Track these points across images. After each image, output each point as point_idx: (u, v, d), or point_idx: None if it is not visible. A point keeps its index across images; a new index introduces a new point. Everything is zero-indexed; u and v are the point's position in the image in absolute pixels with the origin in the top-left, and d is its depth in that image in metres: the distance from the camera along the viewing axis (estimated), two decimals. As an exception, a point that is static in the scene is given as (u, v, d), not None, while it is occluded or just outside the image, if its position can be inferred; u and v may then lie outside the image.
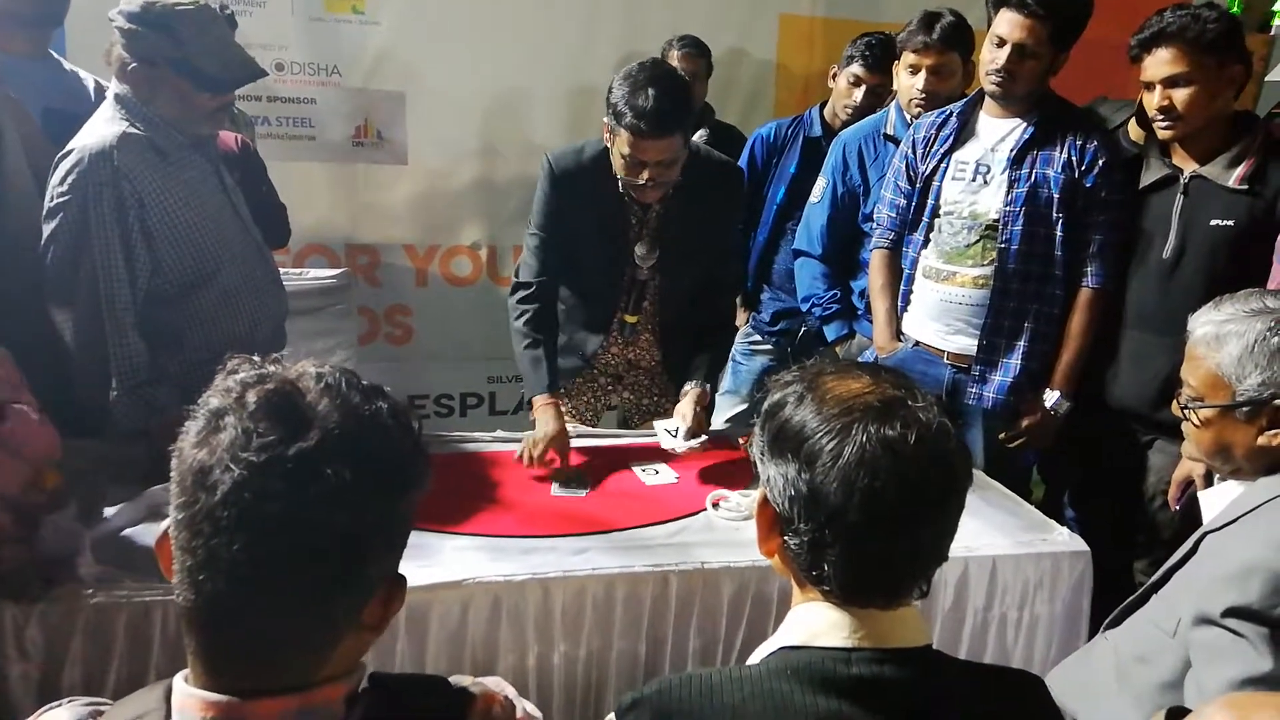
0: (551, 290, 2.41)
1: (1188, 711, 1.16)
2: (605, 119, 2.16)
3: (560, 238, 2.35)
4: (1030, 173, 2.36)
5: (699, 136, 3.12)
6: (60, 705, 0.90)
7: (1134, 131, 2.53)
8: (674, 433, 2.21)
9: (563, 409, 2.55)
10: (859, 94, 3.08)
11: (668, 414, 2.37)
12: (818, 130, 3.20)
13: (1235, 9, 4.06)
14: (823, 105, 3.25)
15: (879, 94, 3.06)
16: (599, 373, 2.58)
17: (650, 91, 2.05)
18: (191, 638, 0.80)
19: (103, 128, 2.00)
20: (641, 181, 2.16)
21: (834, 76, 3.20)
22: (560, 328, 2.49)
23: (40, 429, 1.60)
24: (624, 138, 2.11)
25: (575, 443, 2.35)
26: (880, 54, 3.03)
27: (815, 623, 0.99)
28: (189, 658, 0.81)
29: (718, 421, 3.09)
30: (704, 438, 2.23)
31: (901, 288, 2.61)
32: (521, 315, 2.37)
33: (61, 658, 1.51)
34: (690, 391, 2.32)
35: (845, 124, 3.10)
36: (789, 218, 3.20)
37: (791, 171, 3.20)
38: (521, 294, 2.39)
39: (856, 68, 3.08)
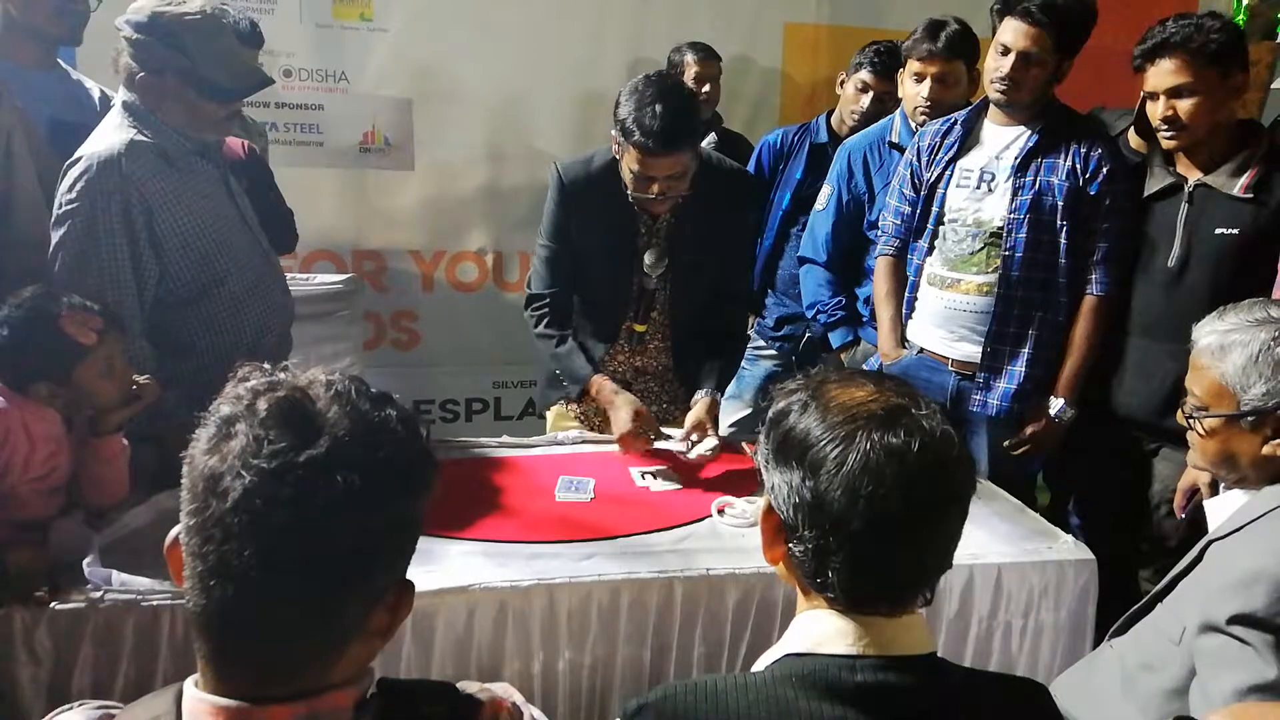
0: (565, 300, 2.43)
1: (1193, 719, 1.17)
2: (614, 133, 2.16)
3: (570, 248, 2.36)
4: (1034, 180, 2.36)
5: (707, 143, 3.13)
6: (71, 709, 0.90)
7: (1134, 140, 2.53)
8: (688, 441, 2.23)
9: (572, 414, 2.56)
10: (866, 100, 3.09)
11: (677, 422, 2.38)
12: (824, 137, 3.21)
13: (1240, 18, 4.06)
14: (829, 113, 3.26)
15: (885, 101, 3.07)
16: (606, 376, 2.58)
17: (657, 108, 2.05)
18: (202, 643, 0.81)
19: (111, 135, 2.02)
20: (651, 196, 2.17)
21: (841, 83, 3.21)
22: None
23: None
24: (633, 154, 2.11)
25: (582, 448, 2.36)
26: (888, 61, 3.04)
27: (820, 630, 0.99)
28: (199, 662, 0.82)
29: (723, 427, 3.09)
30: (715, 443, 2.24)
31: (906, 295, 2.62)
32: (540, 321, 2.40)
33: (71, 661, 1.52)
34: (701, 400, 2.32)
35: (852, 131, 3.11)
36: (794, 224, 3.22)
37: (797, 178, 3.22)
38: (536, 304, 2.42)
39: (865, 74, 3.09)
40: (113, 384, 1.79)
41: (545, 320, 2.39)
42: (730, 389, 3.30)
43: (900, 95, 2.91)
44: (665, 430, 2.37)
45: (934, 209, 2.50)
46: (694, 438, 2.24)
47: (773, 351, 3.36)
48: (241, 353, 2.06)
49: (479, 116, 3.79)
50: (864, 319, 2.94)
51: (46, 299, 1.75)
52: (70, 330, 1.72)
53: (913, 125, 2.80)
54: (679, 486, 2.15)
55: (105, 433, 1.79)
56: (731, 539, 1.93)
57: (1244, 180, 2.22)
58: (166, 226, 2.04)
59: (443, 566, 1.72)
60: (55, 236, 1.98)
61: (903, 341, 2.62)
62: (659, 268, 2.32)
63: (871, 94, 3.08)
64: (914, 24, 2.84)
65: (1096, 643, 1.81)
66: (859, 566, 0.96)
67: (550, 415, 2.65)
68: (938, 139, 2.53)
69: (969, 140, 2.49)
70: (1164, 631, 1.47)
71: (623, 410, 2.23)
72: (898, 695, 0.96)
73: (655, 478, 2.19)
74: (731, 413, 3.28)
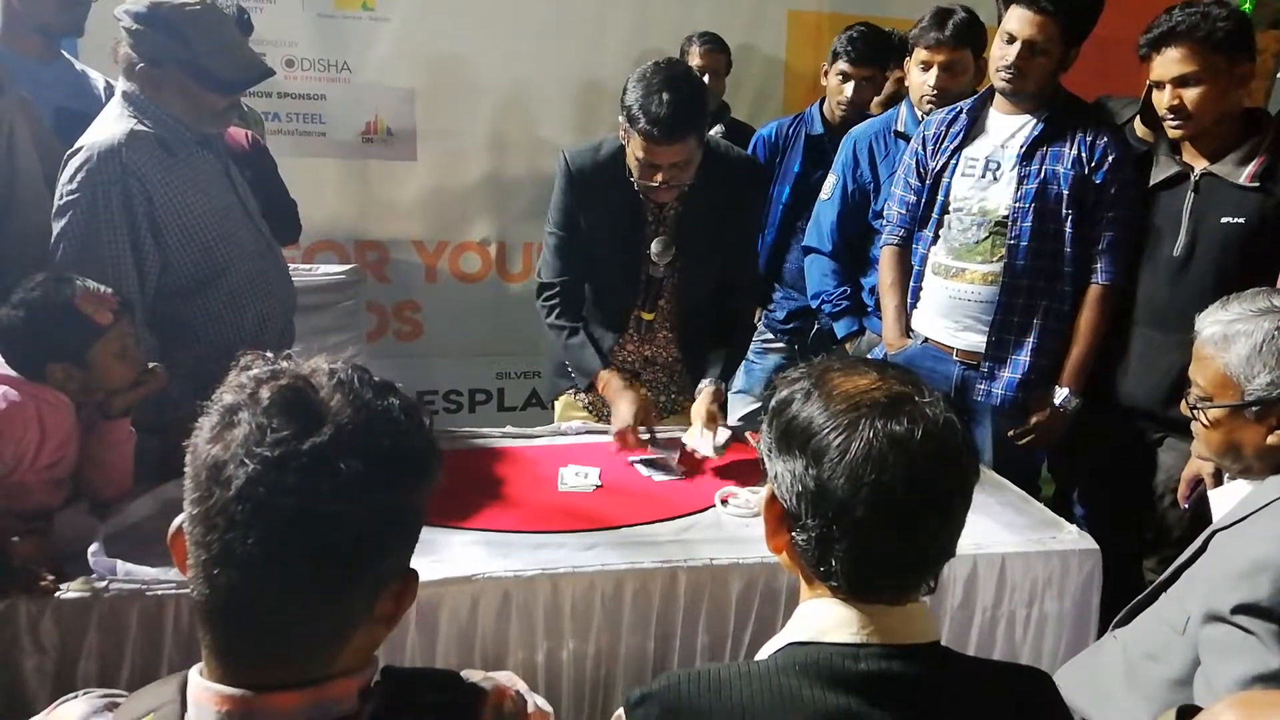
0: (576, 288, 2.42)
1: (1197, 709, 1.16)
2: (620, 119, 2.16)
3: (579, 236, 2.36)
4: (1040, 169, 2.36)
5: (714, 133, 3.13)
6: (76, 697, 0.90)
7: (1140, 129, 2.52)
8: (702, 439, 2.20)
9: (580, 404, 2.55)
10: (849, 89, 3.08)
11: (685, 412, 2.37)
12: (819, 127, 3.20)
13: (1246, 6, 4.04)
14: (823, 102, 3.25)
15: (871, 84, 3.07)
16: (616, 369, 2.58)
17: (664, 96, 2.04)
18: (206, 632, 0.81)
19: (111, 125, 2.01)
20: (655, 184, 2.16)
21: (825, 74, 3.21)
22: None
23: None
24: (638, 142, 2.11)
25: (586, 439, 2.36)
26: (862, 46, 3.04)
27: (823, 618, 0.99)
28: (204, 651, 0.82)
29: (731, 420, 3.08)
30: (727, 436, 2.23)
31: (911, 284, 2.61)
32: (553, 312, 2.40)
33: (76, 651, 1.53)
34: (706, 389, 2.32)
35: (843, 119, 3.12)
36: (797, 216, 3.21)
37: (795, 171, 3.21)
38: (547, 294, 2.41)
39: (842, 64, 3.09)
40: (126, 366, 1.80)
41: (557, 310, 2.39)
42: (738, 383, 3.31)
43: (906, 83, 2.91)
44: (665, 427, 2.37)
45: (939, 198, 2.49)
46: (704, 433, 2.23)
47: (781, 344, 3.36)
48: (243, 343, 2.06)
49: (482, 106, 3.78)
50: (869, 309, 2.94)
51: (61, 281, 1.77)
52: (87, 309, 1.73)
53: (919, 114, 2.79)
54: (677, 477, 2.15)
55: (114, 416, 1.79)
56: (735, 529, 1.93)
57: (1250, 169, 2.21)
58: (167, 216, 2.04)
59: (447, 556, 1.72)
60: (56, 227, 1.99)
61: (908, 331, 2.62)
62: (667, 256, 2.31)
63: (853, 82, 3.07)
64: (918, 12, 2.82)
65: (1100, 633, 1.81)
66: (862, 555, 0.96)
67: (559, 405, 2.65)
68: (943, 128, 2.52)
69: (974, 129, 2.48)
70: (1168, 621, 1.47)
71: (624, 405, 2.23)
72: (901, 684, 0.96)
73: (654, 468, 2.18)
74: (740, 407, 3.27)
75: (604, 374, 2.31)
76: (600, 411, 2.60)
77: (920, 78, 2.79)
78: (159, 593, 1.55)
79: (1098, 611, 1.92)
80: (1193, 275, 2.26)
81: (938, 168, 2.50)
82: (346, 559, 0.79)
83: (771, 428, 1.03)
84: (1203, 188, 2.26)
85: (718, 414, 2.27)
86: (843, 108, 3.11)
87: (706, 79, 3.39)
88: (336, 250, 3.79)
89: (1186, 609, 1.42)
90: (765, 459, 1.05)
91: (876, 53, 3.05)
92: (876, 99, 3.31)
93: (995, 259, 2.41)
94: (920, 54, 2.78)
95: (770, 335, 3.38)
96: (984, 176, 2.43)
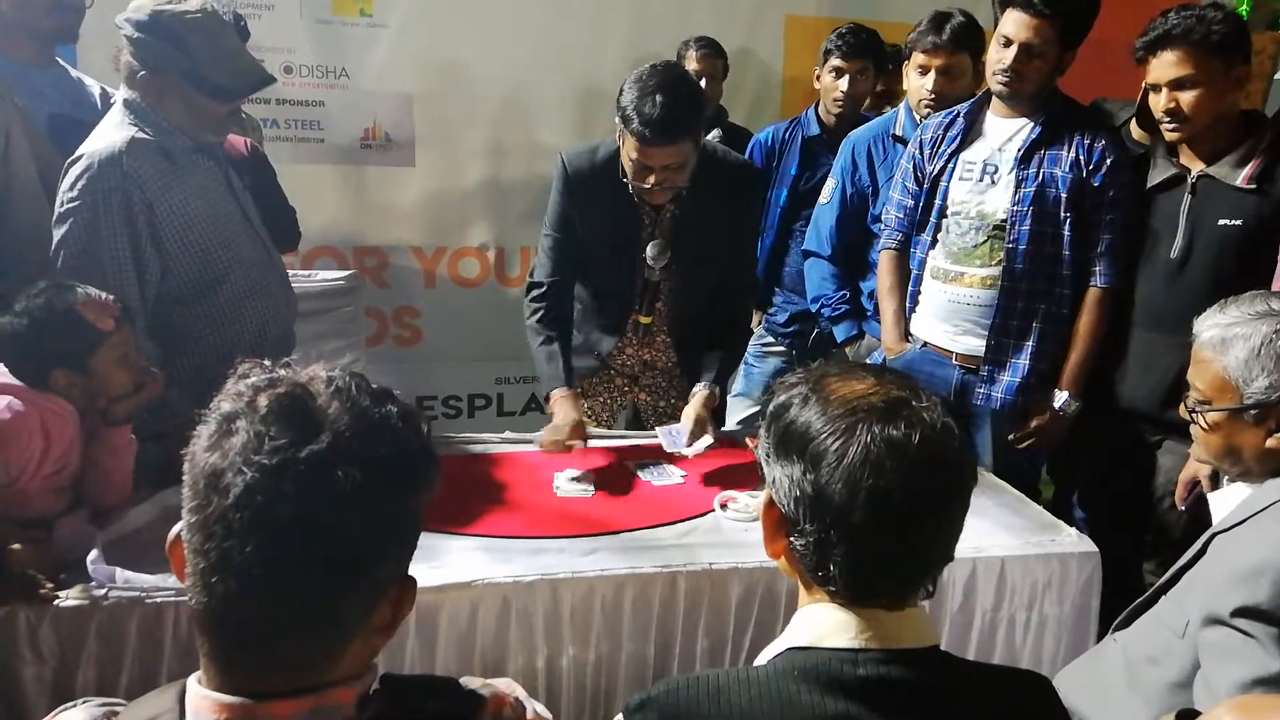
0: (564, 290, 2.42)
1: (1197, 713, 1.16)
2: (616, 120, 2.16)
3: (573, 238, 2.36)
4: (1038, 172, 2.36)
5: (712, 137, 3.14)
6: (75, 706, 0.90)
7: (1136, 132, 2.52)
8: (677, 436, 2.21)
9: (580, 406, 2.56)
10: (844, 83, 3.10)
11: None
12: (815, 129, 3.21)
13: (1243, 8, 4.05)
14: (816, 104, 3.26)
15: (864, 77, 3.11)
16: (615, 373, 2.58)
17: (658, 98, 2.04)
18: (204, 640, 0.81)
19: (112, 133, 2.02)
20: (648, 186, 2.16)
21: (818, 78, 3.22)
22: (576, 328, 2.50)
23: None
24: (631, 143, 2.11)
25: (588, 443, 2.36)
26: (853, 41, 3.08)
27: (822, 624, 0.99)
28: (202, 659, 0.82)
29: (730, 424, 3.09)
30: (710, 440, 2.23)
31: (910, 289, 2.61)
32: (535, 313, 2.40)
33: (75, 659, 1.53)
34: (698, 393, 2.32)
35: (839, 118, 3.14)
36: (795, 219, 3.22)
37: (792, 173, 3.23)
38: (535, 293, 2.42)
39: (834, 60, 3.11)
40: (127, 373, 1.80)
41: (539, 314, 2.39)
42: (739, 386, 3.31)
43: (905, 87, 2.91)
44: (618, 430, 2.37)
45: (937, 202, 2.49)
46: (682, 431, 2.22)
47: (781, 348, 3.36)
48: (243, 350, 2.06)
49: (480, 111, 3.78)
50: (869, 313, 2.94)
51: (63, 289, 1.77)
52: (89, 316, 1.73)
53: (917, 118, 2.79)
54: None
55: (115, 422, 1.80)
56: (734, 533, 1.93)
57: (1247, 171, 2.21)
58: (168, 224, 2.05)
59: (446, 562, 1.72)
60: (57, 235, 1.99)
61: (907, 335, 2.62)
62: (662, 260, 2.31)
63: (848, 76, 3.09)
64: (914, 17, 2.84)
65: (1100, 636, 1.81)
66: (861, 559, 0.96)
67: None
68: (940, 132, 2.53)
69: (971, 133, 2.48)
70: (1168, 624, 1.47)
71: (559, 415, 2.25)
72: (900, 688, 0.96)
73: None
74: (740, 410, 3.28)
75: (558, 393, 2.31)
76: (599, 416, 2.60)
77: (918, 81, 2.79)
78: (158, 600, 1.55)
79: (1097, 614, 1.92)
80: (1190, 277, 2.26)
81: (935, 172, 2.50)
82: (344, 566, 0.80)
83: (769, 432, 1.03)
84: (1200, 190, 2.26)
85: (707, 419, 2.26)
86: (839, 104, 3.12)
87: (703, 84, 3.41)
88: (335, 256, 3.80)
89: (1186, 612, 1.42)
90: (764, 464, 1.05)
91: (866, 46, 3.09)
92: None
93: (994, 263, 2.41)
94: (918, 58, 2.79)
95: (770, 339, 3.39)
96: (982, 180, 2.43)
